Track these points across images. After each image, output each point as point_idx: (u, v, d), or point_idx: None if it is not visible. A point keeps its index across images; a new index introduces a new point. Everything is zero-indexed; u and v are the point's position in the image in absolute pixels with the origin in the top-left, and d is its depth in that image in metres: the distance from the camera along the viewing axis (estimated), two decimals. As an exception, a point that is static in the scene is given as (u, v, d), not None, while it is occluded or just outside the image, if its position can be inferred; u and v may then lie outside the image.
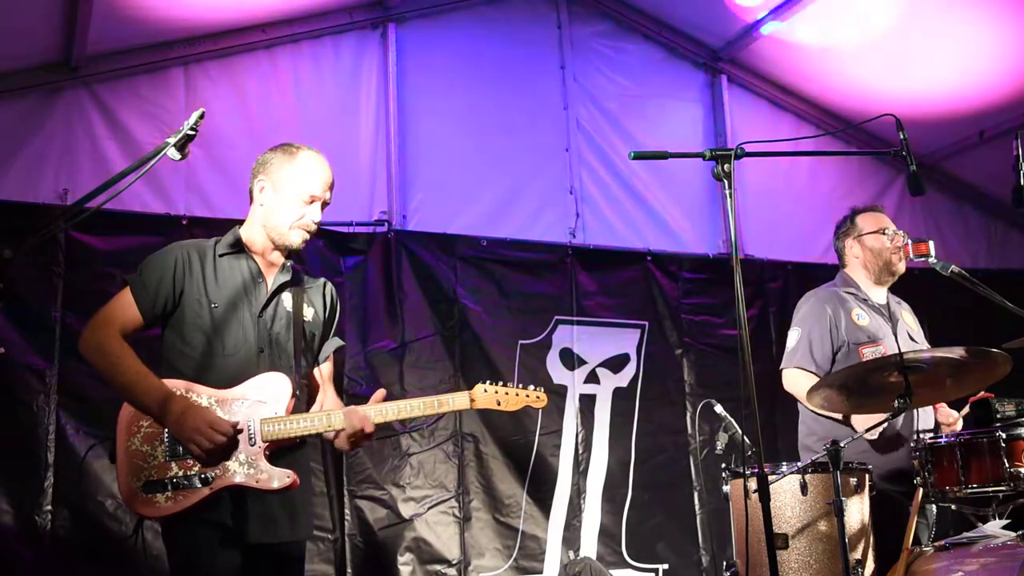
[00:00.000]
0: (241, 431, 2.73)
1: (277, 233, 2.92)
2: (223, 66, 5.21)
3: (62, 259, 4.56)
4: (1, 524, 4.22)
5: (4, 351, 4.34)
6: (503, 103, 5.83)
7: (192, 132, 2.45)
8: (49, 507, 4.31)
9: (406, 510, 4.96)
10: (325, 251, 5.12)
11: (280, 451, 2.81)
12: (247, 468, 2.71)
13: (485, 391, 2.97)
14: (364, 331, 5.11)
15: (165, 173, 4.87)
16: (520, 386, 3.02)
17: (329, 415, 2.82)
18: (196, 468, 2.69)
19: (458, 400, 2.93)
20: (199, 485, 2.68)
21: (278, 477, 2.72)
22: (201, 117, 2.48)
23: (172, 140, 2.45)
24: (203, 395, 2.76)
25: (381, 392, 2.91)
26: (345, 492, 4.86)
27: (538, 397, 3.04)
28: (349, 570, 4.77)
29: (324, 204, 2.98)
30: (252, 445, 2.73)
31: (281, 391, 2.80)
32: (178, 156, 2.46)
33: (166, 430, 2.71)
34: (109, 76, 4.93)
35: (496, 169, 5.72)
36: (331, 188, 2.99)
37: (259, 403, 2.77)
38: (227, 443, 2.68)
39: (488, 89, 5.82)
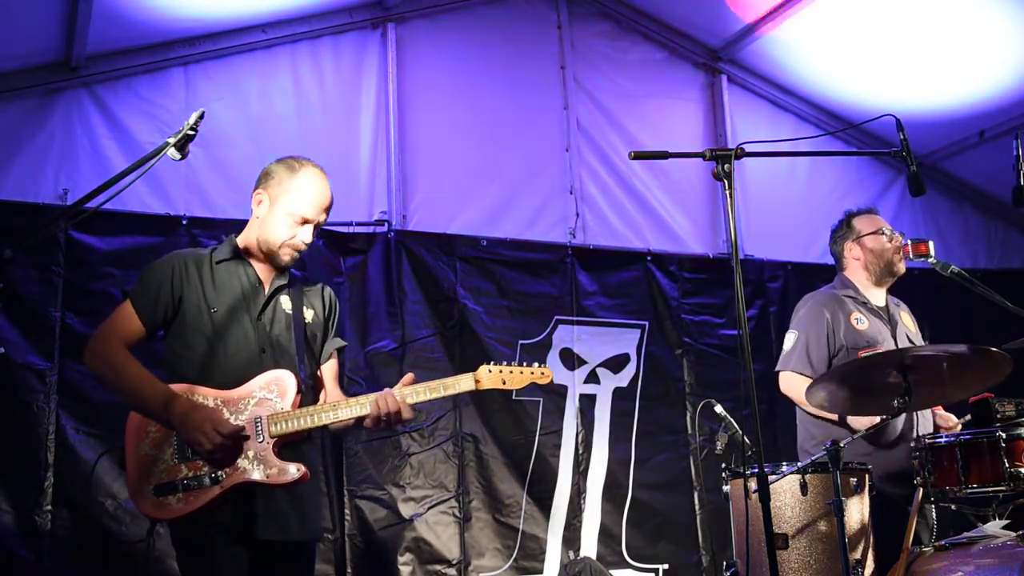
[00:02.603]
0: (248, 436, 2.75)
1: (267, 248, 2.98)
2: (223, 66, 5.21)
3: (62, 259, 4.56)
4: (1, 524, 4.22)
5: (4, 351, 4.34)
6: (503, 103, 5.83)
7: (192, 132, 2.46)
8: (49, 507, 4.30)
9: (406, 510, 4.96)
10: (325, 251, 5.12)
11: (287, 448, 2.82)
12: (257, 464, 2.73)
13: (490, 371, 2.95)
14: (364, 331, 5.11)
15: (165, 173, 4.86)
16: (524, 364, 3.00)
17: (335, 407, 2.84)
18: (206, 468, 2.71)
19: (464, 383, 2.92)
20: (209, 484, 2.70)
21: (289, 470, 2.74)
22: (201, 117, 2.49)
23: (172, 140, 2.46)
24: (209, 397, 2.79)
25: (410, 376, 2.92)
26: (345, 492, 4.86)
27: (543, 373, 3.01)
28: (349, 570, 4.77)
29: (318, 225, 3.02)
30: (260, 441, 2.75)
31: (287, 387, 2.83)
32: (178, 156, 2.47)
33: (174, 433, 2.74)
34: (109, 76, 4.93)
35: (496, 169, 5.72)
36: (327, 209, 3.03)
37: (265, 400, 2.80)
38: (231, 443, 2.70)
39: (488, 89, 5.81)
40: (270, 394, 2.81)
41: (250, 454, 2.74)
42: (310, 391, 3.00)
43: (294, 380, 2.84)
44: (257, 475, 2.72)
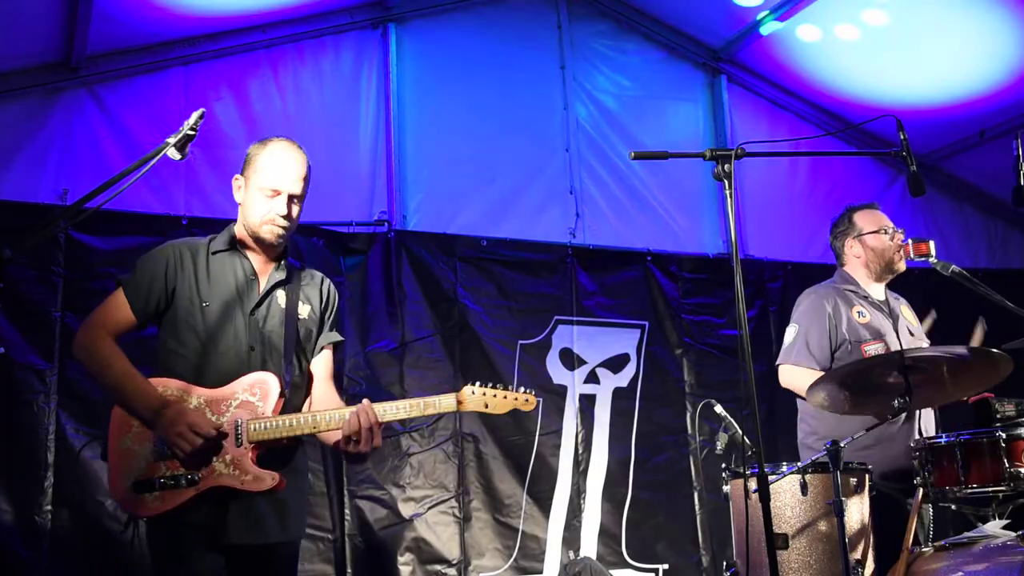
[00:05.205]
0: (227, 434, 2.71)
1: (251, 230, 2.92)
2: (223, 66, 5.21)
3: (62, 259, 4.56)
4: (1, 524, 4.22)
5: (4, 351, 4.34)
6: (503, 103, 5.83)
7: (192, 132, 2.46)
8: (49, 507, 4.30)
9: (406, 510, 4.96)
10: (325, 251, 5.12)
11: (275, 451, 2.79)
12: (232, 469, 2.70)
13: (473, 393, 2.87)
14: (364, 331, 5.11)
15: (165, 173, 4.87)
16: (510, 388, 2.91)
17: (315, 416, 2.78)
18: (183, 469, 2.68)
19: (445, 402, 2.85)
20: (185, 485, 2.67)
21: (263, 479, 2.70)
22: (201, 117, 2.48)
23: (172, 140, 2.45)
24: (193, 395, 2.75)
25: (366, 401, 2.83)
26: (345, 492, 4.86)
27: (527, 400, 2.91)
28: (349, 570, 4.77)
29: (296, 198, 2.92)
30: (239, 446, 2.71)
31: (269, 390, 2.78)
32: (178, 156, 2.47)
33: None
34: (109, 76, 4.93)
35: (496, 169, 5.72)
36: (303, 180, 2.93)
37: (247, 403, 2.76)
38: (208, 446, 2.67)
39: (488, 89, 5.81)
40: (252, 396, 2.76)
41: (227, 458, 2.70)
42: (299, 391, 2.95)
43: (277, 384, 2.78)
44: (232, 481, 2.69)
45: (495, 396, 2.88)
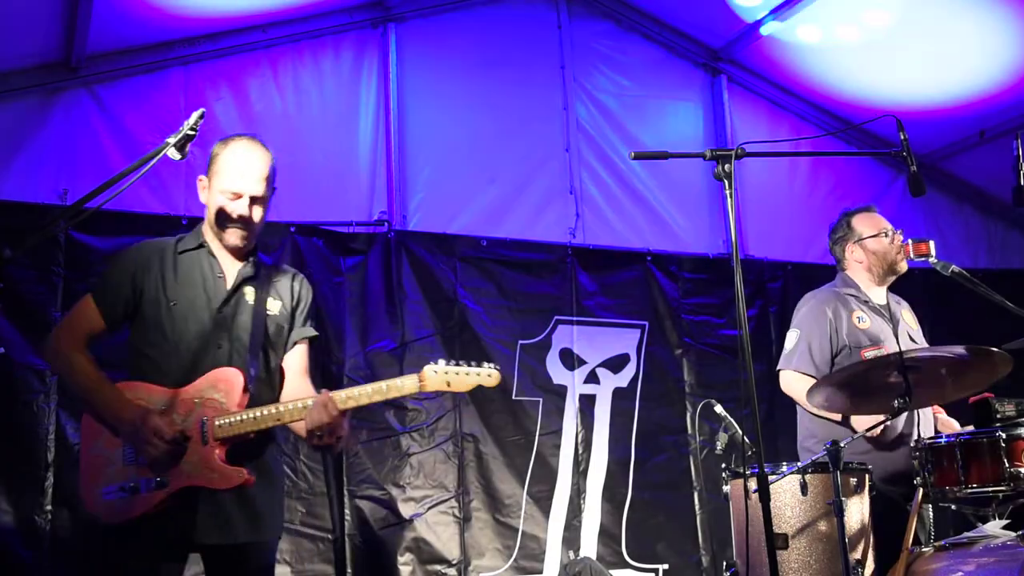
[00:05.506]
0: (191, 436, 2.69)
1: (216, 232, 2.90)
2: (223, 66, 5.21)
3: (62, 259, 4.56)
4: (1, 524, 4.22)
5: (4, 351, 4.33)
6: (503, 103, 5.83)
7: (192, 132, 2.45)
8: (49, 507, 4.30)
9: (406, 510, 4.96)
10: (325, 251, 5.12)
11: (243, 447, 2.76)
12: (200, 469, 2.68)
13: (435, 372, 2.79)
14: (364, 331, 5.11)
15: (165, 173, 4.86)
16: (472, 364, 2.84)
17: (279, 408, 2.74)
18: (152, 472, 2.67)
19: (408, 383, 2.79)
20: (155, 488, 2.66)
21: (231, 476, 2.68)
22: (201, 117, 2.48)
23: (172, 140, 2.45)
24: (160, 396, 2.74)
25: (325, 392, 2.78)
26: (345, 492, 4.86)
27: (489, 375, 2.83)
28: (349, 570, 4.77)
29: (258, 199, 2.87)
30: (204, 444, 2.70)
31: (233, 386, 2.75)
32: (178, 156, 2.46)
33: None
34: (109, 76, 4.93)
35: (496, 169, 5.72)
36: (264, 181, 2.87)
37: (211, 400, 2.73)
38: (172, 449, 2.65)
39: (488, 89, 5.81)
40: (217, 393, 2.73)
41: (194, 458, 2.68)
42: (268, 387, 2.91)
43: (240, 378, 2.75)
44: (200, 480, 2.67)
45: (457, 374, 2.81)
